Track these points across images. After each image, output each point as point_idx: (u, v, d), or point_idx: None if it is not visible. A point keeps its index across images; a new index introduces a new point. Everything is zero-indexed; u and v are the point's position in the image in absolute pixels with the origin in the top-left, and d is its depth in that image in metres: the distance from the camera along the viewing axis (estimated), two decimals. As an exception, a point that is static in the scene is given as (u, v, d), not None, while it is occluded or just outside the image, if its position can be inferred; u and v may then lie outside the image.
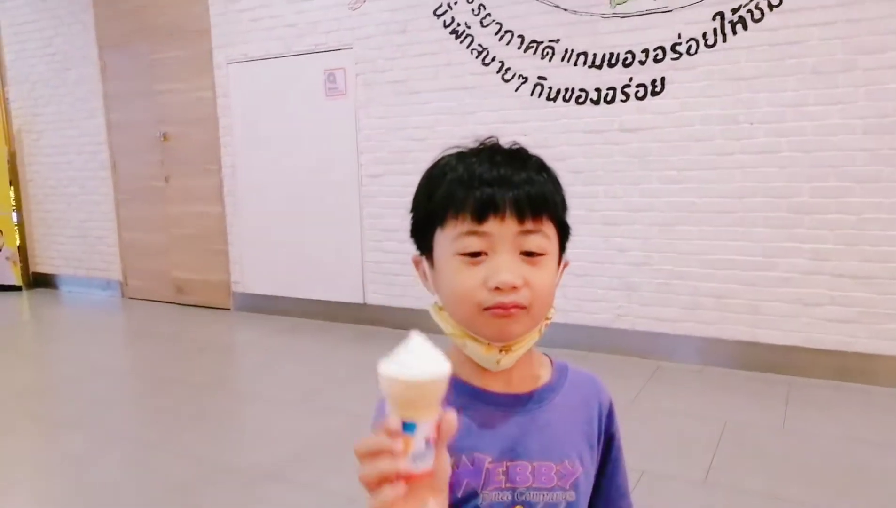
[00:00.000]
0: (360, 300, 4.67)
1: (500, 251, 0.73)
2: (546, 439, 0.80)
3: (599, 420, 0.86)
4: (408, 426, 0.56)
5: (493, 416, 0.79)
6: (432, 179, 0.78)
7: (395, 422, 0.56)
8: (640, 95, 3.61)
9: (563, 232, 0.80)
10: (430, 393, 0.56)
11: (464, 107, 4.09)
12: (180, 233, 5.54)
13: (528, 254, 0.74)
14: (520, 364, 0.80)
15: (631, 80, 3.62)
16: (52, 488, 2.58)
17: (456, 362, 0.82)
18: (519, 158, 0.77)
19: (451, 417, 0.59)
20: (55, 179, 6.18)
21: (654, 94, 3.58)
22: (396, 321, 4.39)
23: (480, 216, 0.72)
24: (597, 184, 3.75)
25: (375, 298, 4.61)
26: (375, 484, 0.56)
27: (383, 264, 4.52)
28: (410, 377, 0.55)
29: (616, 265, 3.77)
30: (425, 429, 0.56)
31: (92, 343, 4.69)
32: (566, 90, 3.79)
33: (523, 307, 0.73)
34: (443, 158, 0.79)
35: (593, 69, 3.70)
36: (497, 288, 0.72)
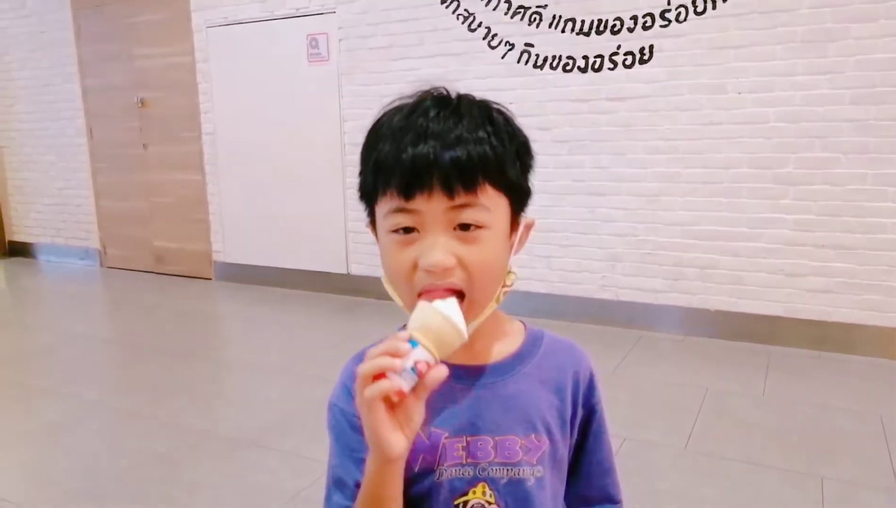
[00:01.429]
0: (343, 271, 4.64)
1: (430, 230, 0.67)
2: (511, 411, 0.76)
3: (575, 391, 0.81)
4: (411, 342, 0.63)
5: (452, 389, 0.74)
6: (369, 145, 0.74)
7: (405, 335, 0.63)
8: (627, 63, 3.56)
9: (517, 194, 0.72)
10: (446, 335, 0.64)
11: (449, 74, 4.02)
12: (160, 201, 5.45)
13: (464, 228, 0.67)
14: (483, 333, 0.76)
15: (619, 47, 3.57)
16: (29, 456, 2.56)
17: None
18: (456, 114, 0.70)
19: (443, 370, 0.62)
20: (31, 146, 6.04)
21: (641, 62, 3.53)
22: (380, 292, 4.28)
23: (407, 194, 0.67)
24: (583, 154, 3.70)
25: (359, 268, 4.58)
26: (370, 378, 0.61)
27: (367, 233, 4.44)
28: (448, 314, 0.64)
29: (601, 236, 3.76)
30: (419, 354, 0.62)
31: (70, 312, 4.63)
32: (553, 57, 3.73)
33: (458, 291, 0.68)
34: (381, 116, 0.74)
35: (581, 36, 3.64)
36: (428, 270, 0.67)
